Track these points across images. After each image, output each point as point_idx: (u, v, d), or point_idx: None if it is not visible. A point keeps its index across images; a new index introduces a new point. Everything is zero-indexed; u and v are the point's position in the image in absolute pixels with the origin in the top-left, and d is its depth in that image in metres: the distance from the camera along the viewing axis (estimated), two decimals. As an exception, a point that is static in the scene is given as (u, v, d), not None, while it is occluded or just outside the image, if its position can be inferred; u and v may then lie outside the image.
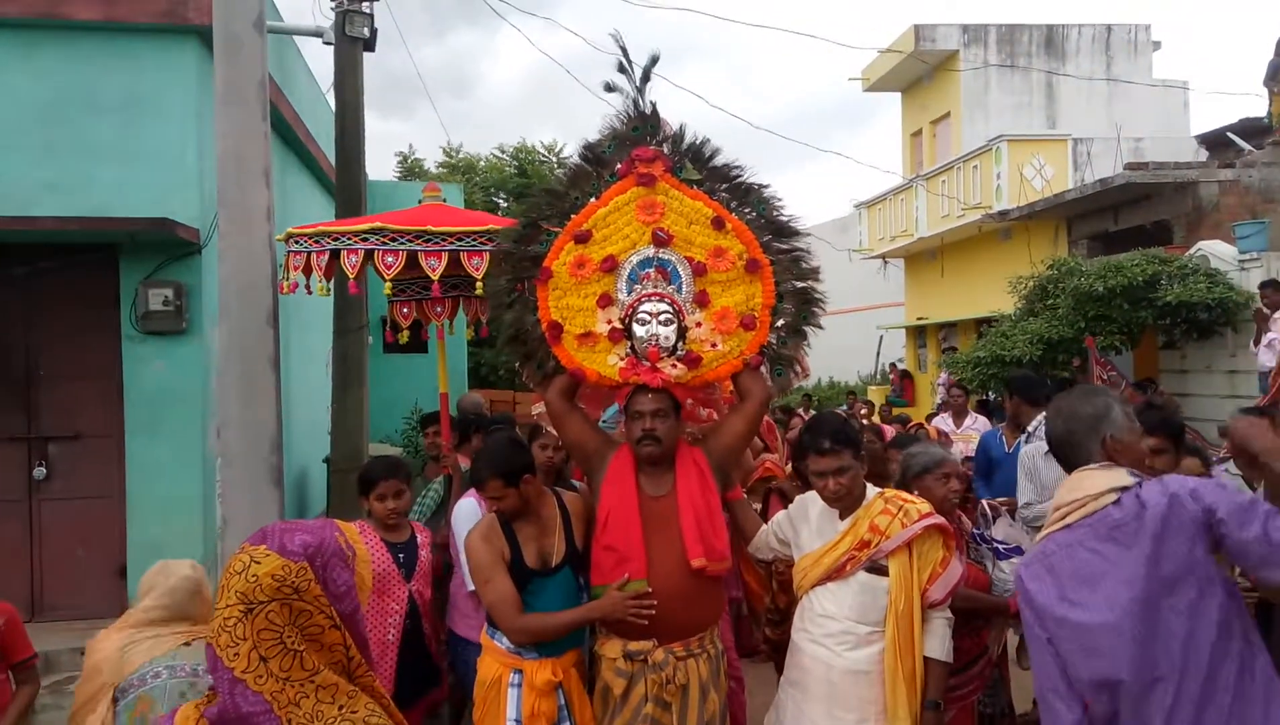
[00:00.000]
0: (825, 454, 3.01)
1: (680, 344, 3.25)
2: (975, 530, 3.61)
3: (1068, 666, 2.15)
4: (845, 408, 13.47)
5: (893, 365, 19.80)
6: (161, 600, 2.65)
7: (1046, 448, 4.72)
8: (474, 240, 4.05)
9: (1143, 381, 9.60)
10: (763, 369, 3.39)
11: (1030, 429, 5.38)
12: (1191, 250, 10.35)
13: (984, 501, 3.84)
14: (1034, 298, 10.94)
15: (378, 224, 4.18)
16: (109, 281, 6.34)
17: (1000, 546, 3.56)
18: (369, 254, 4.10)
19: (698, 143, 3.41)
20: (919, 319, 18.52)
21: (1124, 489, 2.15)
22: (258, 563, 1.71)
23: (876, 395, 18.79)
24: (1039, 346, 10.04)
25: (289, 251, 4.50)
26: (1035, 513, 4.64)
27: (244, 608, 1.67)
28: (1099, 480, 2.22)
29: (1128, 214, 12.57)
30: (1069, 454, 2.39)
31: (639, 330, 3.22)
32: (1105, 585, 2.11)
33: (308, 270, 4.43)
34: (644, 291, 3.29)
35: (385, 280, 4.16)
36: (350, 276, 4.17)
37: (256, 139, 4.71)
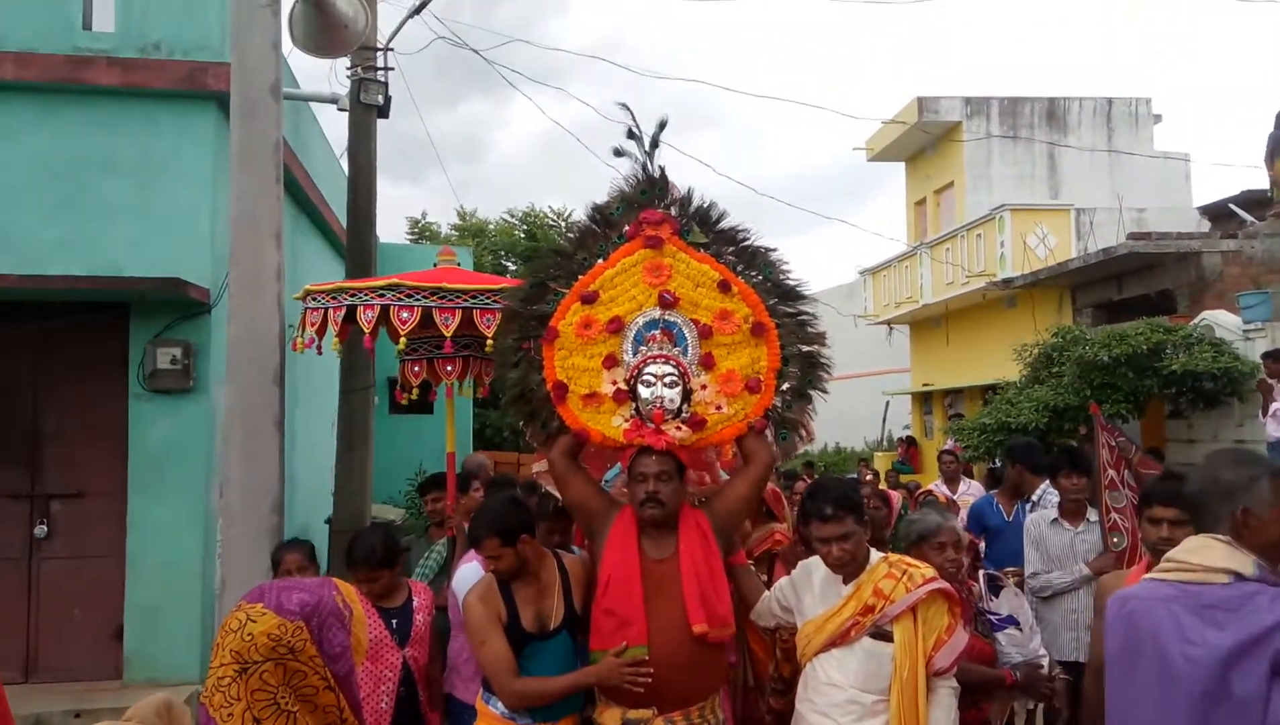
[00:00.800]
0: (828, 521, 2.99)
1: (685, 406, 3.25)
2: (978, 601, 3.56)
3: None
4: (855, 475, 13.37)
5: (900, 439, 19.71)
6: (129, 714, 2.64)
7: (1054, 516, 4.73)
8: (488, 298, 4.10)
9: (1150, 450, 9.55)
10: (767, 433, 3.39)
11: (1035, 498, 5.32)
12: (1196, 319, 10.37)
13: (984, 572, 3.78)
14: (1039, 365, 10.94)
15: (395, 281, 4.25)
16: (119, 340, 6.38)
17: (993, 618, 3.51)
18: (384, 311, 4.14)
19: (705, 206, 3.46)
20: (925, 385, 18.51)
21: (1240, 578, 1.97)
22: (254, 621, 1.70)
23: (882, 461, 18.69)
24: (1045, 414, 10.00)
25: (305, 308, 4.54)
26: (1042, 583, 4.59)
27: (238, 667, 1.66)
28: (1219, 556, 2.01)
29: (1132, 283, 12.63)
30: (1197, 514, 2.20)
31: (644, 392, 3.22)
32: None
33: (322, 329, 4.46)
34: (650, 353, 3.30)
35: (400, 336, 4.18)
36: (365, 331, 4.19)
37: (270, 201, 4.79)
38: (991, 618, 3.50)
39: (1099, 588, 3.45)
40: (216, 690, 1.67)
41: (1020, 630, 3.50)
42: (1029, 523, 4.88)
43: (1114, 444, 4.67)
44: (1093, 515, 4.64)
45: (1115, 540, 4.42)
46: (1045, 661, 3.47)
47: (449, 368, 4.61)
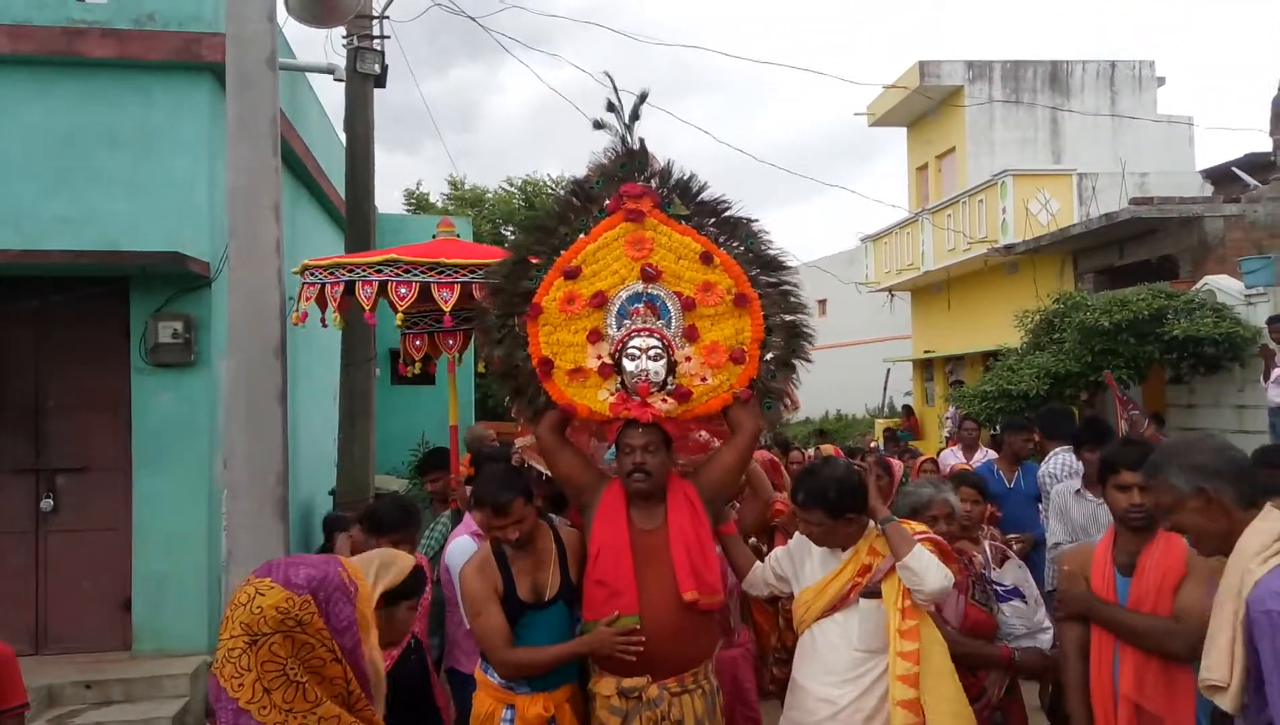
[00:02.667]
0: (802, 507, 3.13)
1: (670, 379, 3.26)
2: (983, 569, 3.53)
3: None
4: (860, 447, 13.31)
5: (905, 407, 19.67)
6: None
7: (1078, 486, 4.70)
8: (485, 273, 4.10)
9: (1152, 415, 9.57)
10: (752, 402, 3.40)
11: (1053, 470, 5.31)
12: (1198, 285, 10.35)
13: (990, 541, 3.74)
14: (1040, 332, 10.94)
15: (392, 256, 4.24)
16: (119, 314, 6.38)
17: (999, 588, 3.48)
18: (383, 286, 4.14)
19: (685, 178, 3.44)
20: (926, 352, 18.52)
21: None
22: (262, 594, 1.74)
23: (882, 427, 18.77)
24: (1046, 381, 10.02)
25: (303, 283, 4.54)
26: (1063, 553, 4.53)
27: (248, 639, 1.70)
28: None
29: (1133, 248, 12.59)
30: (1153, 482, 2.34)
31: (629, 365, 3.24)
32: None
33: (321, 302, 4.46)
34: (633, 327, 3.31)
35: (398, 312, 4.19)
36: (365, 308, 4.20)
37: (267, 174, 4.77)
38: (996, 588, 3.47)
39: (1063, 557, 3.37)
40: (227, 661, 1.71)
41: (1025, 603, 3.47)
42: (1055, 493, 4.89)
43: (1128, 417, 4.68)
44: None
45: None
46: (1049, 635, 3.41)
47: (450, 341, 4.62)
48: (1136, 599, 2.83)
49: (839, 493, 3.07)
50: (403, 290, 4.12)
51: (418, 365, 4.77)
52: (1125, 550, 2.94)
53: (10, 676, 3.16)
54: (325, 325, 4.73)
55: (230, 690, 1.69)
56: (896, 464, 5.74)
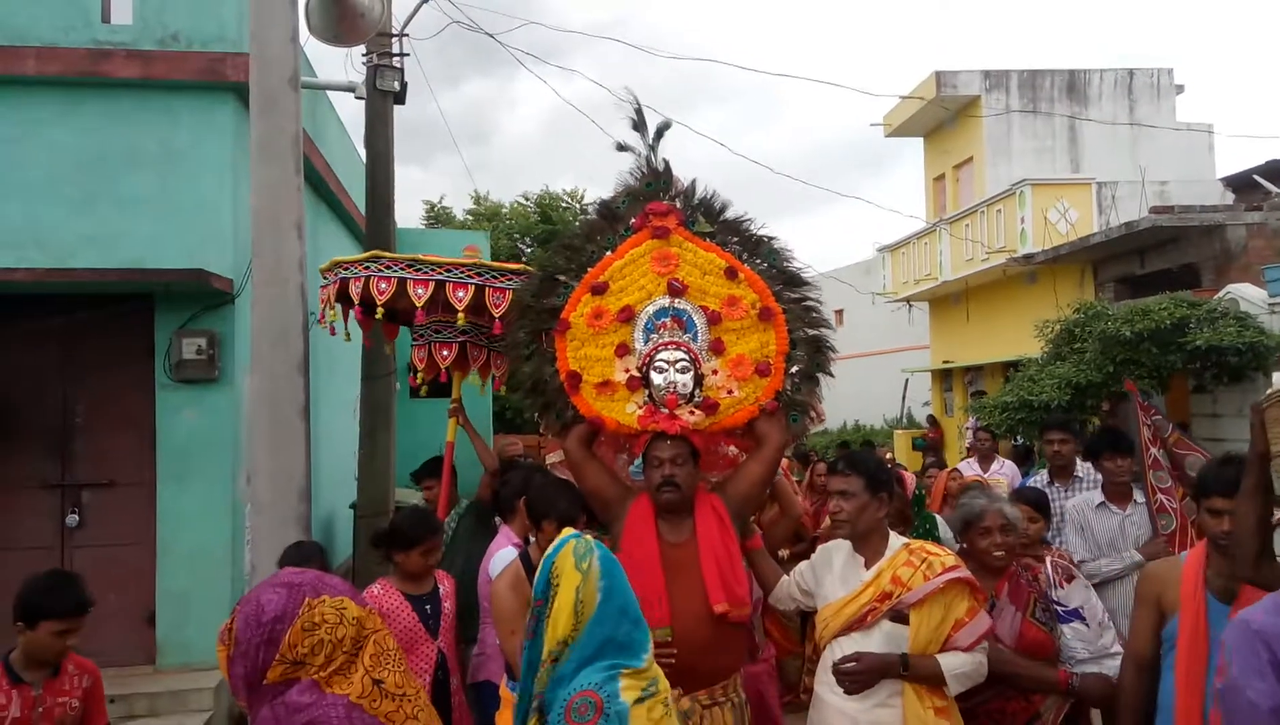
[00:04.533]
0: (837, 473, 3.13)
1: (697, 391, 3.29)
2: (1046, 588, 3.35)
3: None
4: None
5: (929, 418, 19.50)
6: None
7: (1100, 499, 4.52)
8: (496, 277, 4.14)
9: (1177, 425, 9.47)
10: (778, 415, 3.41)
11: (1081, 476, 5.03)
12: (1220, 293, 10.26)
13: (1052, 559, 3.51)
14: (1061, 342, 10.86)
15: (410, 257, 4.30)
16: (144, 331, 6.45)
17: (1061, 608, 3.29)
18: (402, 287, 4.16)
19: (709, 197, 3.50)
20: (945, 362, 18.43)
21: None
22: (344, 608, 1.88)
23: (902, 438, 18.66)
24: (1067, 391, 9.94)
25: (321, 286, 4.59)
26: (1090, 570, 4.31)
27: (355, 642, 1.83)
28: None
29: (1154, 257, 12.51)
30: None
31: (656, 378, 3.26)
32: None
33: (345, 304, 4.51)
34: (660, 340, 3.35)
35: (418, 309, 4.19)
36: (379, 304, 4.22)
37: (290, 192, 4.84)
38: (1059, 608, 3.29)
39: (1143, 574, 3.20)
40: (334, 671, 1.88)
41: (1087, 626, 3.26)
42: (1070, 508, 4.65)
43: (1150, 423, 4.58)
44: (1139, 496, 4.45)
45: (1164, 523, 4.25)
46: (1117, 661, 3.16)
47: (444, 353, 4.64)
48: None
49: (879, 466, 3.14)
50: (420, 290, 4.15)
51: (421, 377, 4.78)
52: (1221, 573, 2.71)
53: (99, 696, 3.23)
54: (349, 339, 4.76)
55: (338, 690, 1.83)
56: (908, 475, 5.69)
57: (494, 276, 4.10)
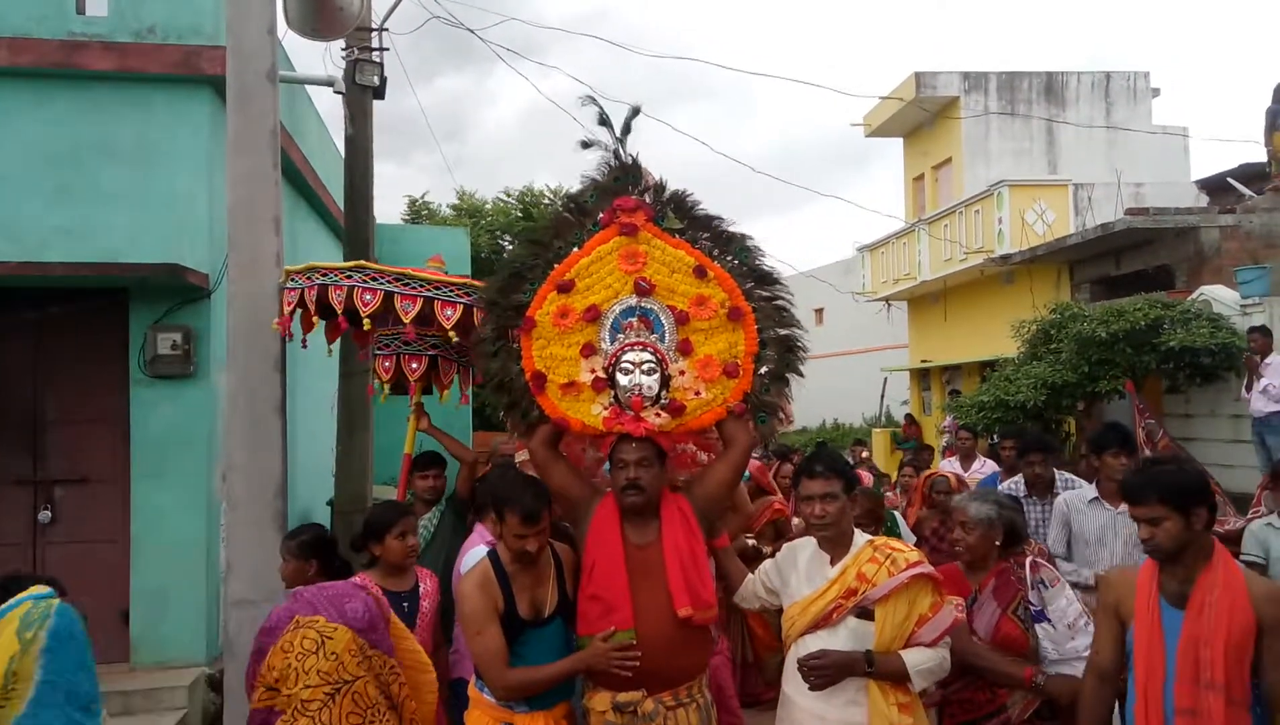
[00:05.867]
0: (815, 477, 3.08)
1: (663, 393, 3.25)
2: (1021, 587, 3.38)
3: None
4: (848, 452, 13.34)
5: (907, 416, 19.63)
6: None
7: (1093, 494, 4.47)
8: (450, 290, 4.06)
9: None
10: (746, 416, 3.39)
11: (1059, 490, 5.01)
12: (1194, 295, 10.38)
13: (1030, 560, 3.51)
14: (1037, 342, 10.96)
15: (361, 263, 4.27)
16: (118, 326, 6.38)
17: (1034, 608, 3.33)
18: (352, 294, 4.12)
19: (680, 192, 3.43)
20: (922, 362, 18.54)
21: None
22: (330, 638, 1.65)
23: (880, 437, 18.75)
24: (1043, 391, 10.03)
25: (284, 289, 4.52)
26: (1066, 569, 4.31)
27: (330, 689, 1.62)
28: None
29: (1130, 258, 12.64)
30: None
31: (622, 379, 3.22)
32: None
33: (307, 318, 4.46)
34: (627, 341, 3.31)
35: (363, 319, 4.13)
36: (338, 311, 4.18)
37: (267, 187, 4.80)
38: (1032, 607, 3.35)
39: (1102, 582, 3.11)
40: (301, 715, 1.64)
41: (1054, 628, 3.29)
42: (1059, 503, 4.66)
43: (1144, 426, 4.60)
44: None
45: None
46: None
47: (414, 365, 4.52)
48: (1191, 638, 2.56)
49: (848, 465, 3.18)
50: (368, 297, 4.10)
51: (386, 389, 4.61)
52: (1175, 577, 2.68)
53: None
54: (306, 346, 4.71)
55: None
56: (865, 474, 5.64)
57: (444, 289, 4.02)
